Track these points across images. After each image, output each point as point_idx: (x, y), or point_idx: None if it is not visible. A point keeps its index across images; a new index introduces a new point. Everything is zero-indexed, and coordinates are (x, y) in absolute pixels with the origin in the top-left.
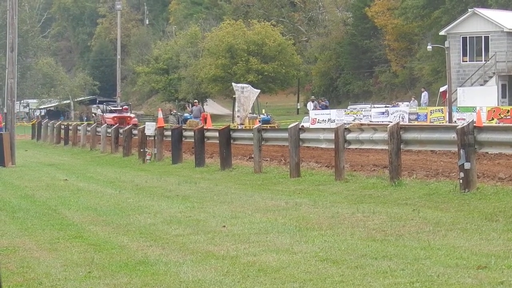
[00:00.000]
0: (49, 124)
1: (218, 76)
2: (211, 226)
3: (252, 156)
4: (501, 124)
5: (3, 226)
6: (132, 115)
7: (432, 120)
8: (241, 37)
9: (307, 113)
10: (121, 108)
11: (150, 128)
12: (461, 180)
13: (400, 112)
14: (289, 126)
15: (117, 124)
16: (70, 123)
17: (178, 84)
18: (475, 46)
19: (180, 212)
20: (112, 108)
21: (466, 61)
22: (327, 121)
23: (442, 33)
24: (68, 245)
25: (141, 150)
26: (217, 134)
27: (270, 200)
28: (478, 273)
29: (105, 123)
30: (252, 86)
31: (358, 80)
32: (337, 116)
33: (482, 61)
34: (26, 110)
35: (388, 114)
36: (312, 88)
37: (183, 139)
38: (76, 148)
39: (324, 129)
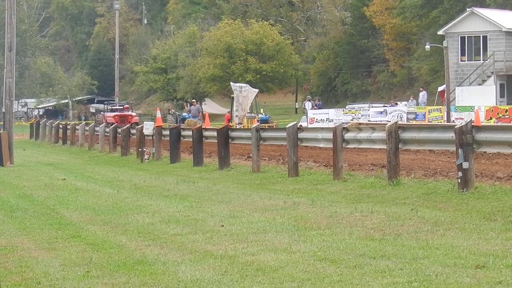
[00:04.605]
0: (47, 124)
1: (217, 76)
2: (209, 226)
3: (251, 155)
4: (499, 124)
5: (2, 225)
6: (134, 114)
7: (430, 120)
8: (240, 36)
9: (304, 113)
10: (122, 107)
11: (148, 128)
12: (459, 180)
13: (399, 111)
14: (287, 126)
15: (118, 123)
16: (68, 122)
17: (176, 84)
18: (474, 46)
19: (178, 212)
20: (113, 107)
21: (465, 61)
22: (325, 120)
23: (440, 32)
24: (67, 245)
25: (140, 149)
26: (215, 133)
27: (268, 199)
28: (476, 273)
29: (106, 121)
30: (250, 85)
31: (356, 80)
32: (335, 116)
33: (480, 60)
34: (25, 109)
35: (386, 114)
36: (311, 87)
37: (182, 138)
38: (74, 148)
39: (322, 129)
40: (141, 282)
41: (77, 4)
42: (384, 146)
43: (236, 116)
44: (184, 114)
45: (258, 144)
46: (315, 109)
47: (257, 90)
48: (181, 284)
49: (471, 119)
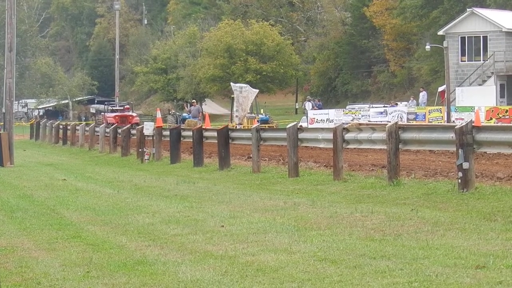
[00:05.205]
0: (47, 124)
1: (217, 76)
2: (209, 226)
3: (251, 156)
4: (499, 124)
5: (2, 226)
6: (134, 114)
7: (430, 120)
8: (240, 37)
9: (304, 113)
10: (122, 108)
11: (148, 128)
12: (459, 180)
13: (399, 112)
14: (288, 126)
15: (118, 123)
16: (68, 122)
17: (176, 84)
18: (474, 46)
19: (178, 212)
20: (113, 107)
21: (465, 61)
22: (325, 121)
23: (440, 33)
24: (67, 245)
25: (140, 150)
26: (215, 134)
27: (268, 200)
28: (477, 273)
29: (107, 122)
30: (250, 86)
31: (356, 80)
32: (335, 116)
33: (480, 61)
34: (25, 110)
35: (386, 114)
36: (311, 88)
37: (182, 139)
38: (75, 148)
39: (322, 129)
40: (141, 283)
41: (77, 4)
42: (384, 147)
43: (236, 116)
44: (184, 114)
45: (258, 145)
46: (315, 109)
47: (257, 91)
48: (181, 284)
49: (471, 120)
